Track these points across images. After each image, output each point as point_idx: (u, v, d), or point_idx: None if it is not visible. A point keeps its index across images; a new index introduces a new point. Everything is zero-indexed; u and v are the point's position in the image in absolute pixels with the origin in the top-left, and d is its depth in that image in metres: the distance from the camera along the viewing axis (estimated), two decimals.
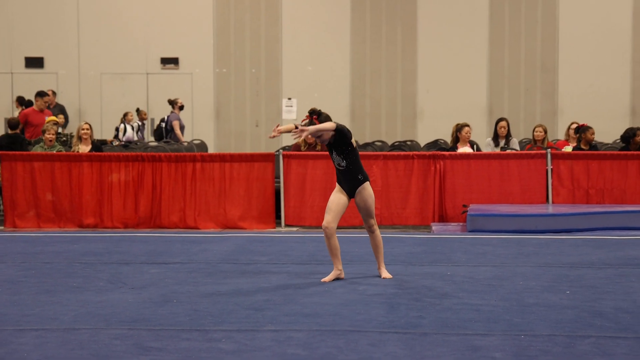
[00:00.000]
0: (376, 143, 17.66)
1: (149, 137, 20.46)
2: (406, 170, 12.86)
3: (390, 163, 12.93)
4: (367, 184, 8.08)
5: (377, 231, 8.23)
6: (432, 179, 12.72)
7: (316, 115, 8.07)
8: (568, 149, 13.92)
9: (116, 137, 19.84)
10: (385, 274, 8.24)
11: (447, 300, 7.08)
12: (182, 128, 18.66)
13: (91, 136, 13.78)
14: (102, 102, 21.58)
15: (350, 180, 8.06)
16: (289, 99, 21.33)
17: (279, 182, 13.03)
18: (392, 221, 12.90)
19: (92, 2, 21.76)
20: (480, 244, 10.44)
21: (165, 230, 12.72)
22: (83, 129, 13.70)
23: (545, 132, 14.31)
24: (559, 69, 20.84)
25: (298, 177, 13.02)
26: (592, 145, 13.73)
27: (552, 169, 12.82)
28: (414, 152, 13.24)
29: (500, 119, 14.57)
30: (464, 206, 12.48)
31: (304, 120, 8.17)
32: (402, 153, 13.31)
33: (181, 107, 18.76)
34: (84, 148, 13.63)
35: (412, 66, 21.14)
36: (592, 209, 11.99)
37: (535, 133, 14.35)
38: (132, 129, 19.98)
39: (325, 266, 8.82)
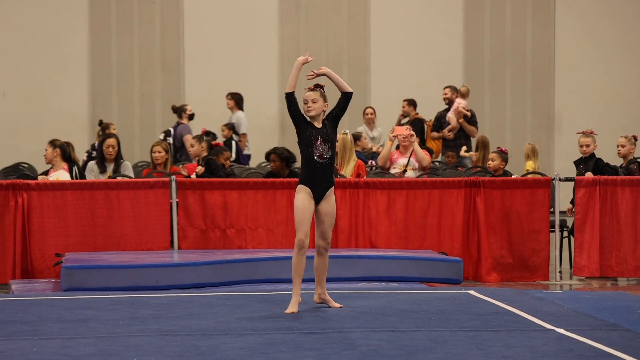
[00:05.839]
0: None
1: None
2: None
3: None
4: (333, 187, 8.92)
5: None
6: (12, 218, 12.49)
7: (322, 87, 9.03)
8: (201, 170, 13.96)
9: (89, 152, 18.38)
10: (334, 303, 9.43)
11: None
12: None
13: None
14: None
15: (329, 179, 8.89)
16: None
17: None
18: None
19: None
20: (79, 307, 10.34)
21: None
22: None
23: (167, 152, 14.41)
24: (184, 67, 22.23)
25: None
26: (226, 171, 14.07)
27: (177, 202, 12.81)
28: None
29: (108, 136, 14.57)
30: (58, 255, 12.29)
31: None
32: None
33: (191, 117, 18.56)
34: None
35: None
36: (230, 256, 12.27)
37: (153, 155, 14.37)
38: None
39: None
